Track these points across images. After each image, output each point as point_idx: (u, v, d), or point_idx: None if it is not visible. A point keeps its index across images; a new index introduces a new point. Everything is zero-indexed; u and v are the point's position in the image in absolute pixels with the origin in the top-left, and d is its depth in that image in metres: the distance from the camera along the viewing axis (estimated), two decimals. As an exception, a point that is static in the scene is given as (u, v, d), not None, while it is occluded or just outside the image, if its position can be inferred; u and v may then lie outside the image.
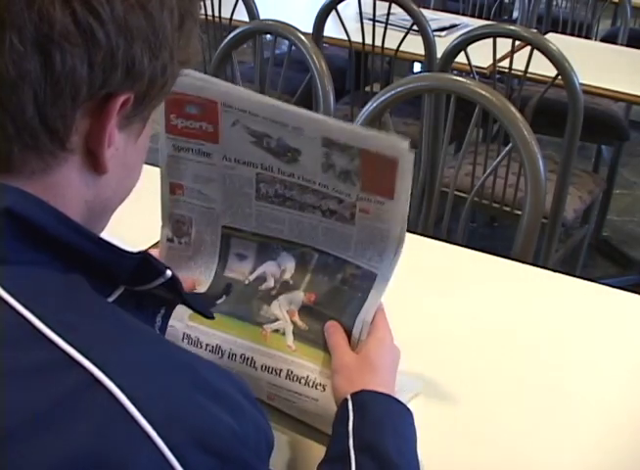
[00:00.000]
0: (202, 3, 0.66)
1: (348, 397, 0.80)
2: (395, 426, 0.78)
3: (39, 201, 0.55)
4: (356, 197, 0.88)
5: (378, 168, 0.85)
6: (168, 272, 0.60)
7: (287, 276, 0.93)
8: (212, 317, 0.73)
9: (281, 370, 0.88)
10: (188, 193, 0.94)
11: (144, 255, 0.59)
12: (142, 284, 0.60)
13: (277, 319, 0.91)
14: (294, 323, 0.91)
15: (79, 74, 0.53)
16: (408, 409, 0.81)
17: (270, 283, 0.93)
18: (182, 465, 0.48)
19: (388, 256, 0.88)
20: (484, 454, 0.89)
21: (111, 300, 0.59)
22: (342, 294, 0.90)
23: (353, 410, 0.78)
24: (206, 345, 0.91)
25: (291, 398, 0.88)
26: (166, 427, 0.47)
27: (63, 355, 0.48)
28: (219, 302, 0.84)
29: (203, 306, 0.71)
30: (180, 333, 0.92)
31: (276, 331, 0.90)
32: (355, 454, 0.73)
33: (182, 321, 0.91)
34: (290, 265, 0.93)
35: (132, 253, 0.58)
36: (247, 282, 0.94)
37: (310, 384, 0.87)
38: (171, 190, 0.94)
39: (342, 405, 0.80)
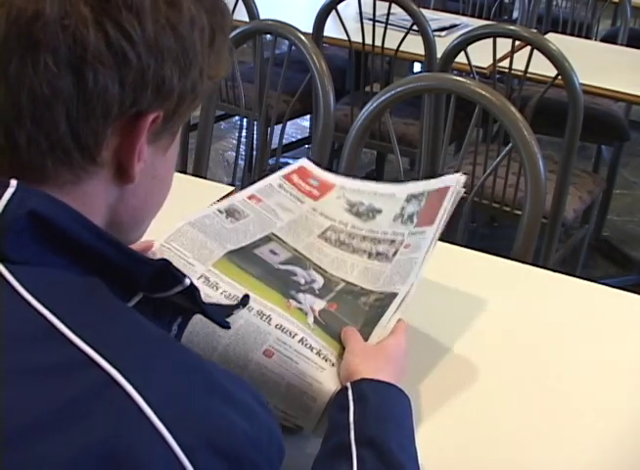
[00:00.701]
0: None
1: (348, 385, 0.78)
2: (397, 418, 0.77)
3: (64, 205, 0.57)
4: (407, 234, 1.01)
5: (435, 201, 1.01)
6: (187, 281, 0.61)
7: (314, 286, 0.96)
8: (229, 327, 0.73)
9: (296, 334, 0.85)
10: (262, 205, 1.05)
11: (164, 262, 0.60)
12: (161, 291, 0.61)
13: (301, 303, 0.91)
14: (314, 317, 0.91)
15: (111, 94, 0.55)
16: (406, 396, 0.80)
17: (300, 280, 0.95)
18: (194, 466, 0.48)
19: (412, 277, 0.94)
20: (484, 454, 0.89)
21: (131, 304, 0.59)
22: (362, 310, 0.93)
23: (353, 400, 0.77)
24: (223, 290, 0.88)
25: (294, 357, 0.83)
26: (180, 428, 0.48)
27: (81, 355, 0.49)
28: (236, 311, 0.84)
29: (220, 317, 0.71)
30: (198, 273, 0.89)
31: (300, 310, 0.89)
32: (357, 448, 0.72)
33: (204, 264, 0.91)
34: (318, 280, 0.97)
35: (152, 260, 0.60)
36: (276, 267, 0.96)
37: (321, 355, 0.84)
38: (249, 196, 1.05)
39: (342, 393, 0.78)
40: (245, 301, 0.84)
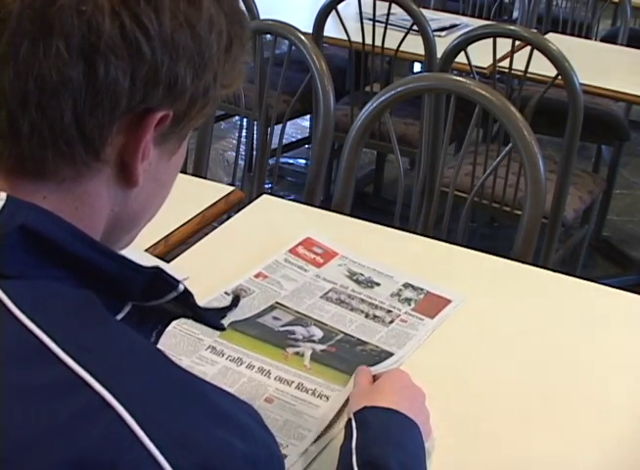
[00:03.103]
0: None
1: (352, 416, 0.82)
2: (397, 438, 0.79)
3: (54, 217, 0.55)
4: (404, 312, 1.11)
5: (434, 302, 1.13)
6: (181, 286, 0.60)
7: (314, 338, 1.05)
8: (224, 329, 0.73)
9: (292, 382, 0.96)
10: (268, 281, 1.15)
11: (157, 269, 0.58)
12: (155, 298, 0.60)
13: (299, 347, 1.02)
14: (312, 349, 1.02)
15: (121, 87, 0.53)
16: (412, 420, 0.82)
17: (299, 336, 1.04)
18: None
19: (407, 348, 1.04)
20: (484, 454, 0.89)
21: (121, 315, 0.58)
22: (360, 354, 1.03)
23: (356, 427, 0.80)
24: (228, 355, 0.99)
25: (292, 401, 0.93)
26: (175, 453, 0.47)
27: (72, 376, 0.47)
28: (229, 313, 0.85)
29: (214, 320, 0.71)
30: (206, 345, 1.00)
31: (296, 353, 1.01)
32: None
33: (212, 337, 1.01)
34: (317, 333, 1.06)
35: (146, 267, 0.58)
36: (276, 330, 1.05)
37: (316, 394, 0.94)
38: (256, 274, 1.15)
39: (347, 425, 0.81)
40: (235, 302, 0.84)
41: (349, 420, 0.81)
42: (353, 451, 0.77)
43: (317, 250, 1.23)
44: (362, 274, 1.18)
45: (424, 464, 0.79)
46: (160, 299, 0.60)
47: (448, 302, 1.13)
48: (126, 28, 0.52)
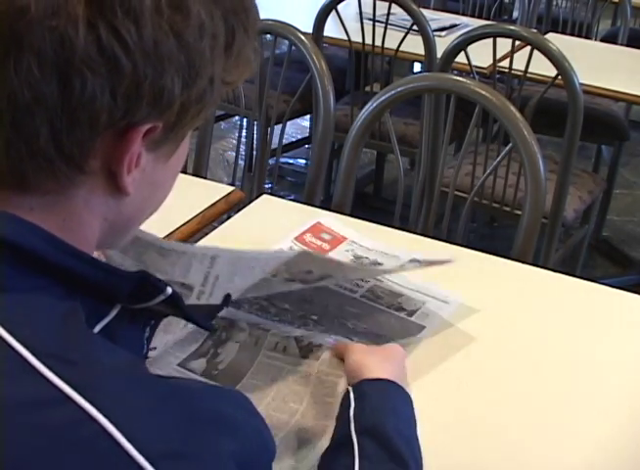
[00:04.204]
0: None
1: (350, 388, 0.84)
2: (394, 408, 0.83)
3: (36, 228, 0.53)
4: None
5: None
6: (169, 289, 0.58)
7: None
8: (214, 329, 0.73)
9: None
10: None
11: (142, 274, 0.57)
12: (143, 302, 0.59)
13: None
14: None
15: (100, 103, 0.50)
16: (406, 392, 0.85)
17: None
18: None
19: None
20: (483, 453, 0.89)
21: (108, 319, 0.57)
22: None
23: (354, 398, 0.82)
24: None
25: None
26: (164, 463, 0.46)
27: (55, 391, 0.46)
28: (219, 313, 0.85)
29: (204, 321, 0.70)
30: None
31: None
32: (357, 437, 0.77)
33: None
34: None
35: (131, 273, 0.57)
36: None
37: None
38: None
39: (345, 396, 0.84)
40: (226, 301, 0.84)
41: (347, 392, 0.84)
42: (351, 419, 0.79)
43: (325, 236, 1.21)
44: (367, 258, 1.17)
45: (415, 428, 0.82)
46: (147, 302, 0.59)
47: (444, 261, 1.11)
48: (103, 42, 0.49)
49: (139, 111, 0.52)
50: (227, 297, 0.84)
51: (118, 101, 0.51)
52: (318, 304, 1.04)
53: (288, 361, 0.95)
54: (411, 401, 0.85)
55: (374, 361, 0.88)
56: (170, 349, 0.98)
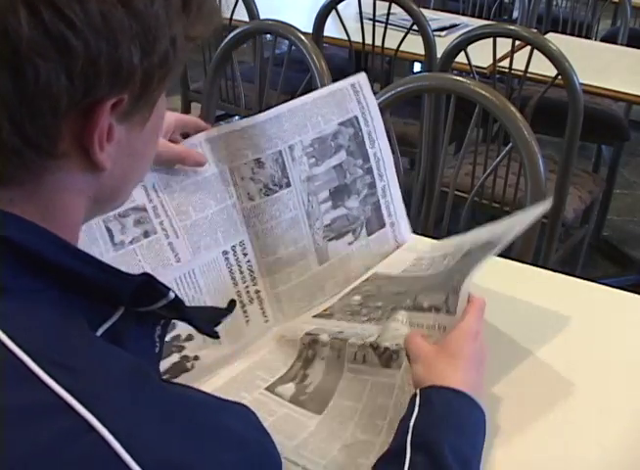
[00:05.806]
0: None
1: (417, 391, 0.78)
2: (458, 424, 0.76)
3: (37, 227, 0.53)
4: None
5: None
6: (171, 294, 0.58)
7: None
8: (217, 337, 0.71)
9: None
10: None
11: (146, 277, 0.56)
12: (144, 305, 0.58)
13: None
14: None
15: (57, 88, 0.48)
16: (478, 407, 0.78)
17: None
18: None
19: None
20: (483, 453, 0.89)
21: (112, 321, 0.57)
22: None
23: (419, 404, 0.77)
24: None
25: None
26: None
27: (55, 399, 0.45)
28: (224, 319, 0.83)
29: (207, 326, 0.69)
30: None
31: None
32: (411, 452, 0.72)
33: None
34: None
35: (134, 275, 0.56)
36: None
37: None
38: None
39: (411, 400, 0.78)
40: (231, 307, 0.83)
41: (414, 395, 0.78)
42: (410, 430, 0.74)
43: None
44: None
45: (479, 450, 0.76)
46: (150, 305, 0.58)
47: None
48: (48, 25, 0.47)
49: (100, 87, 0.50)
50: (232, 302, 0.83)
51: (76, 82, 0.49)
52: (411, 290, 0.99)
53: (371, 372, 0.91)
54: (482, 417, 0.78)
55: (449, 364, 0.81)
56: (257, 371, 0.97)
